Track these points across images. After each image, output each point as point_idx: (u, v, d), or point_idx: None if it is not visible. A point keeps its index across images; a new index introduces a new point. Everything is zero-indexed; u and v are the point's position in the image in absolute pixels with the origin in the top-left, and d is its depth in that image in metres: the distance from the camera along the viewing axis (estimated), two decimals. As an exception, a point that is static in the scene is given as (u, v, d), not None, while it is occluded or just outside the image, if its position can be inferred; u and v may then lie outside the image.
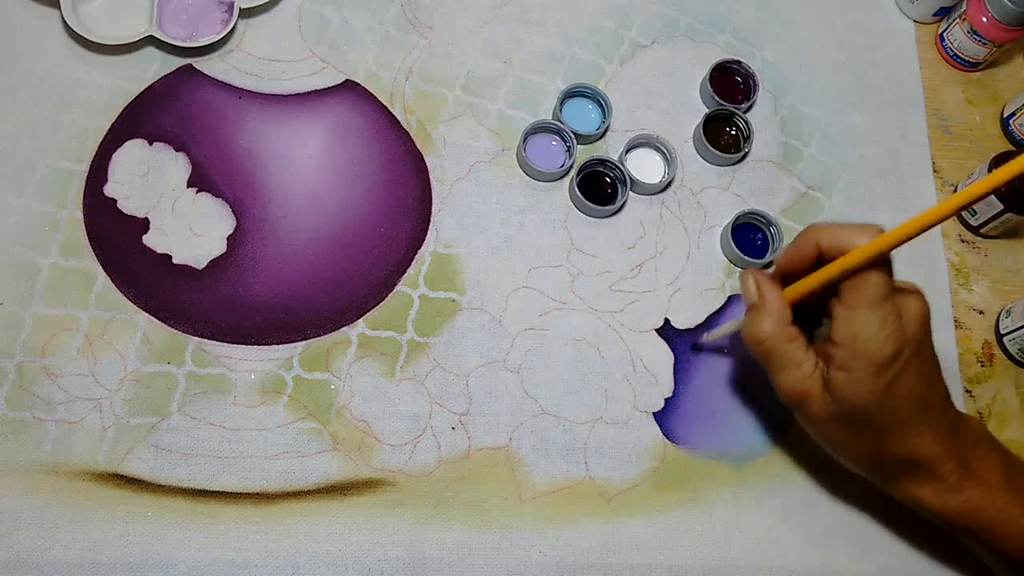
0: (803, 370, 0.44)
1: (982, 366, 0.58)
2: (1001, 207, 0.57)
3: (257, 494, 0.49)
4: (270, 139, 0.57)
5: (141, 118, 0.56)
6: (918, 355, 0.42)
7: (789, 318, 0.45)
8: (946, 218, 0.39)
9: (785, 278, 0.46)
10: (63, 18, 0.56)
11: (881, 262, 0.41)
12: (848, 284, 0.42)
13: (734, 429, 0.54)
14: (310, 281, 0.54)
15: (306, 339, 0.53)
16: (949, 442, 0.44)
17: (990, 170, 0.58)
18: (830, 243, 0.43)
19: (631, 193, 0.58)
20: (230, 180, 0.55)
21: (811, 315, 0.48)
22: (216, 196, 0.55)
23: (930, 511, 0.46)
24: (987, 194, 0.39)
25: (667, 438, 0.53)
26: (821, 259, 0.44)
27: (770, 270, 0.49)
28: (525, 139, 0.58)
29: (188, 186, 0.55)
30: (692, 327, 0.56)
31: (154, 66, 0.58)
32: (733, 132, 0.60)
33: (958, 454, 0.44)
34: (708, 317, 0.57)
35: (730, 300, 0.57)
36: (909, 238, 0.39)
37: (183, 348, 0.52)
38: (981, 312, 0.60)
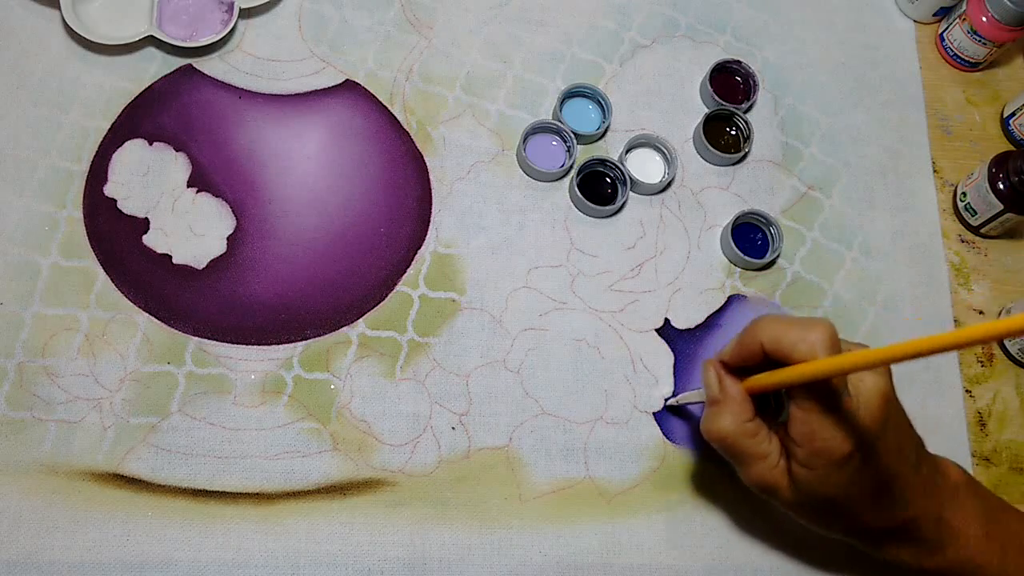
0: (768, 462, 0.43)
1: (982, 366, 0.58)
2: (1001, 207, 0.57)
3: (257, 494, 0.49)
4: (270, 139, 0.57)
5: (141, 118, 0.56)
6: (881, 438, 0.41)
7: (751, 413, 0.43)
8: (902, 360, 0.35)
9: (739, 369, 0.44)
10: (63, 18, 0.56)
11: None
12: (800, 388, 0.40)
13: (734, 429, 0.54)
14: (310, 281, 0.54)
15: (306, 339, 0.53)
16: (924, 503, 0.43)
17: (990, 170, 0.58)
18: (772, 347, 0.41)
19: (631, 193, 0.58)
20: (230, 180, 0.55)
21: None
22: (216, 196, 0.55)
23: (910, 569, 0.45)
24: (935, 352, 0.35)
25: (667, 438, 0.53)
26: (767, 357, 0.42)
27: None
28: (525, 139, 0.58)
29: (188, 186, 0.55)
30: (692, 327, 0.56)
31: (154, 66, 0.57)
32: (733, 132, 0.60)
33: (934, 513, 0.44)
34: (708, 317, 0.57)
35: (730, 300, 0.57)
36: (870, 366, 0.37)
37: (183, 348, 0.52)
38: (981, 312, 0.60)
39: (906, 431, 0.44)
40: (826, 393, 0.40)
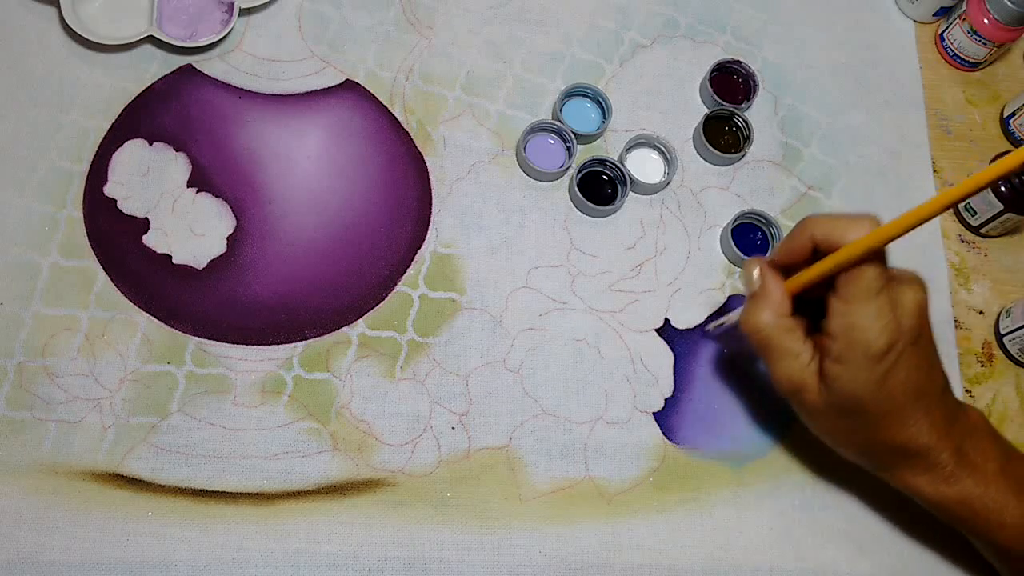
0: (800, 361, 0.44)
1: (982, 366, 0.58)
2: (1001, 207, 0.57)
3: (257, 494, 0.49)
4: (270, 139, 0.57)
5: (141, 118, 0.56)
6: (914, 346, 0.42)
7: (788, 309, 0.45)
8: (940, 212, 0.39)
9: (785, 269, 0.46)
10: (63, 18, 0.56)
11: (875, 256, 0.41)
12: (843, 277, 0.42)
13: (734, 429, 0.54)
14: (310, 281, 0.54)
15: (306, 339, 0.53)
16: (945, 431, 0.44)
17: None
18: (823, 236, 0.42)
19: (631, 193, 0.58)
20: (230, 180, 0.55)
21: (817, 306, 0.47)
22: (216, 196, 0.55)
23: (925, 500, 0.46)
24: (982, 188, 0.38)
25: (667, 438, 0.53)
26: (816, 251, 0.43)
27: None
28: (525, 139, 0.58)
29: (188, 186, 0.55)
30: (692, 327, 0.56)
31: (154, 66, 0.58)
32: (733, 132, 0.60)
33: (954, 443, 0.44)
34: (708, 317, 0.57)
35: (730, 300, 0.57)
36: (902, 234, 0.39)
37: (183, 348, 0.52)
38: (981, 312, 0.60)
39: (935, 357, 0.45)
40: (867, 288, 0.41)
